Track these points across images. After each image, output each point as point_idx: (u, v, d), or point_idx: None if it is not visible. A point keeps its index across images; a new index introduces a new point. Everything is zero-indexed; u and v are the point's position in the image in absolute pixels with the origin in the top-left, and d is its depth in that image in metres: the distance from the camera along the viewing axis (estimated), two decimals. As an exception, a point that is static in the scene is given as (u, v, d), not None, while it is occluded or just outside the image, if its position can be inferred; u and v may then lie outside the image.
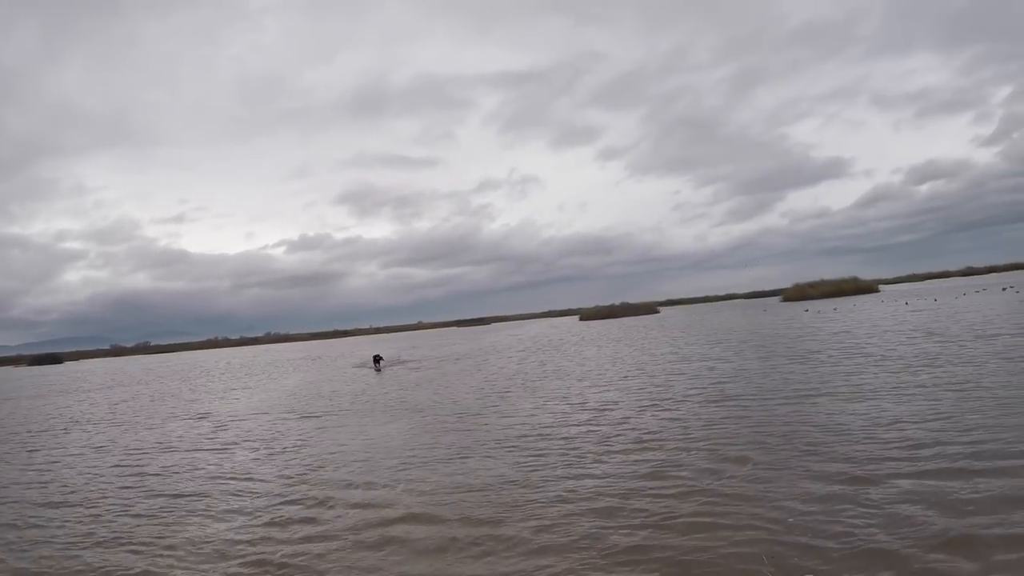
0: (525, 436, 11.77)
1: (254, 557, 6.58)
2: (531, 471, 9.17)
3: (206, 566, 6.40)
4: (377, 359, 33.38)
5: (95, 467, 12.44)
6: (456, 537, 6.75)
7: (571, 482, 8.37)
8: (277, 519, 7.88)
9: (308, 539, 7.03)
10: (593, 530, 6.54)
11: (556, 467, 9.30)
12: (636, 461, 9.20)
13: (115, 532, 7.87)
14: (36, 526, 8.53)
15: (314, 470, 10.52)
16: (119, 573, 6.46)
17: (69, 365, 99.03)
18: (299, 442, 13.26)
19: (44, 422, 21.17)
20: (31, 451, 15.15)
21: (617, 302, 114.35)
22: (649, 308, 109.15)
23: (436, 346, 57.26)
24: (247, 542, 7.11)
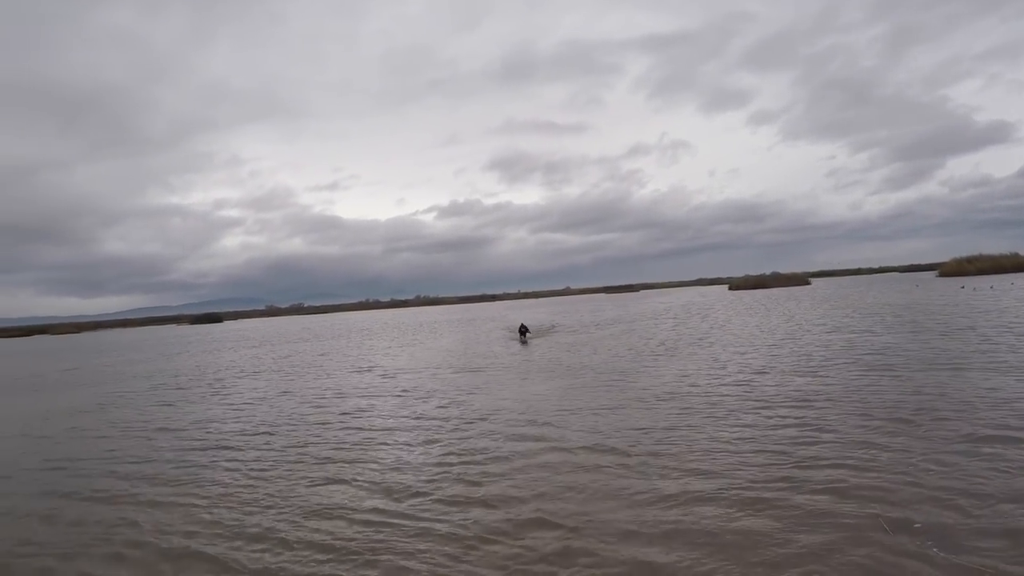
0: (676, 393, 12.39)
1: (440, 480, 7.67)
2: (683, 418, 9.89)
3: (397, 487, 7.56)
4: (523, 330, 30.49)
5: (283, 408, 14.39)
6: (626, 464, 7.57)
7: (722, 431, 8.98)
8: (457, 451, 9.03)
9: (491, 461, 8.06)
10: (738, 466, 7.20)
11: (705, 417, 9.99)
12: (784, 416, 9.71)
13: (319, 458, 9.33)
14: (253, 447, 10.25)
15: (485, 415, 11.68)
16: (326, 486, 7.79)
17: (228, 324, 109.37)
18: (465, 392, 14.59)
19: (223, 371, 24.40)
20: (220, 395, 17.64)
21: (767, 272, 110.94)
22: (800, 279, 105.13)
23: (585, 312, 58.38)
24: (435, 464, 8.28)
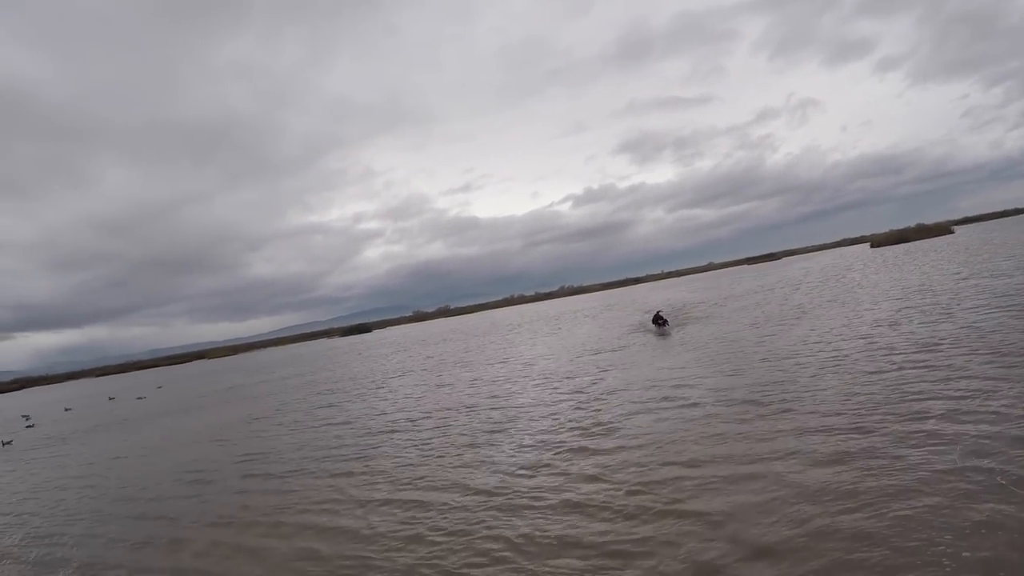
0: (801, 353, 13.60)
1: (574, 448, 9.67)
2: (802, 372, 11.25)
3: (534, 452, 9.63)
4: (660, 320, 26.44)
5: (437, 397, 17.03)
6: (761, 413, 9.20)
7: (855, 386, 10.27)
8: (588, 426, 10.96)
9: (628, 421, 10.00)
10: (866, 410, 8.60)
11: (824, 372, 11.29)
12: (916, 362, 10.83)
13: (471, 429, 11.68)
14: (418, 429, 12.76)
15: (622, 387, 13.51)
16: (488, 446, 10.01)
17: (377, 333, 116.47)
18: (603, 370, 16.48)
19: (377, 374, 27.60)
20: (381, 392, 20.65)
21: (911, 224, 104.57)
22: (943, 229, 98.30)
23: (724, 286, 58.59)
24: (570, 428, 10.31)
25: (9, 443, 23.29)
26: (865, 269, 41.70)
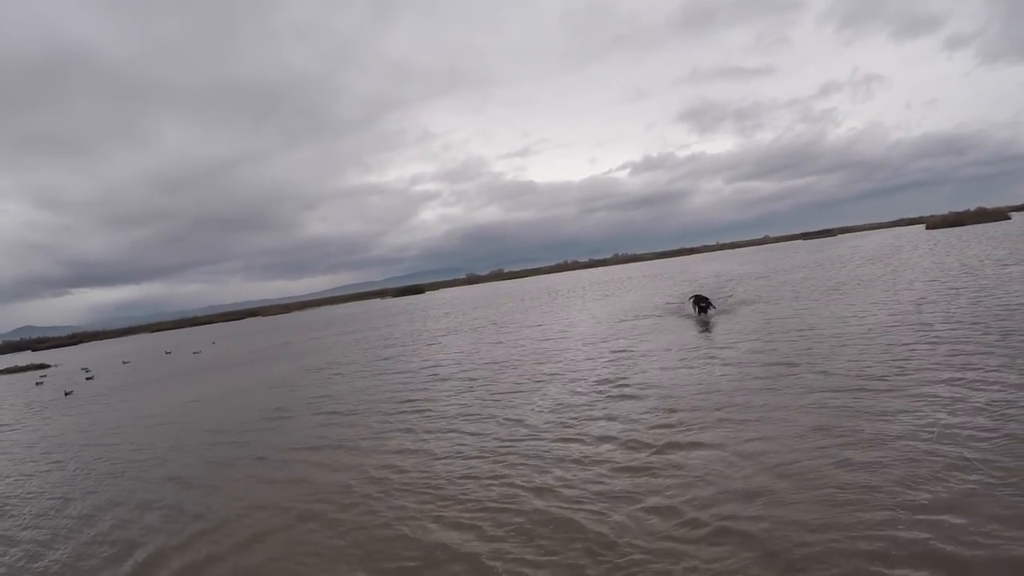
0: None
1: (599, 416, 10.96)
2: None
3: (553, 413, 10.89)
4: (702, 304, 21.02)
5: (489, 351, 18.48)
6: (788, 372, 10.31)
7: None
8: (613, 394, 12.22)
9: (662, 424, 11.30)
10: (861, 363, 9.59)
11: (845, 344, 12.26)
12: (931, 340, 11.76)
13: (518, 377, 13.06)
14: (487, 378, 14.17)
15: (653, 351, 14.78)
16: (523, 405, 11.33)
17: (430, 294, 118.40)
18: (633, 342, 17.65)
19: (428, 333, 28.97)
20: (434, 347, 22.04)
21: (971, 207, 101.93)
22: (1000, 215, 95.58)
23: (775, 260, 58.83)
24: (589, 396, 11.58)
25: (71, 393, 24.70)
26: (913, 252, 41.66)
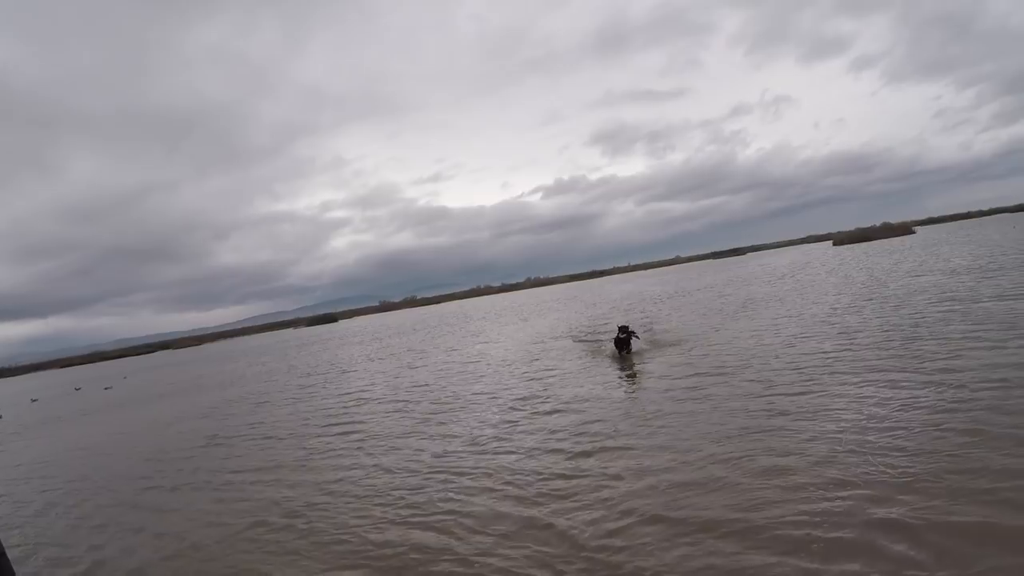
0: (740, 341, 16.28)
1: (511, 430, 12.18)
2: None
3: (479, 424, 12.05)
4: (623, 339, 17.42)
5: (397, 378, 19.32)
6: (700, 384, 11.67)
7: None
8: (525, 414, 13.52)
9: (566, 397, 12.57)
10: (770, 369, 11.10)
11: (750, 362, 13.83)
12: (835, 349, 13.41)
13: (426, 412, 14.11)
14: (407, 400, 15.11)
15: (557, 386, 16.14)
16: (444, 423, 12.42)
17: (343, 323, 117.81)
18: (549, 363, 18.96)
19: (351, 360, 29.78)
20: (353, 374, 22.80)
21: (878, 223, 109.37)
22: (904, 229, 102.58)
23: (684, 280, 61.66)
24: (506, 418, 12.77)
25: None
26: (817, 269, 44.18)
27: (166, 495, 10.20)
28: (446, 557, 6.16)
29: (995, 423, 7.29)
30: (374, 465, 9.83)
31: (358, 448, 11.20)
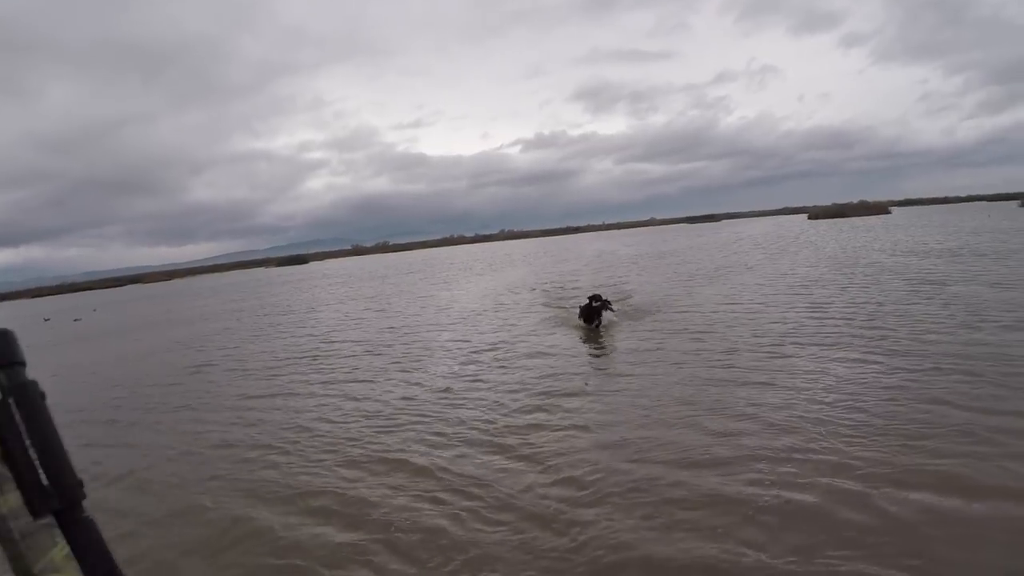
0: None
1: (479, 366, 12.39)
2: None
3: (448, 362, 12.29)
4: (594, 309, 14.73)
5: (377, 323, 19.87)
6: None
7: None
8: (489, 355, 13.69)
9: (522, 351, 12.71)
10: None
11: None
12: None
13: (398, 354, 14.41)
14: (382, 342, 15.37)
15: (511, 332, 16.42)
16: (411, 369, 12.57)
17: (313, 265, 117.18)
18: (516, 314, 19.20)
19: (318, 301, 29.82)
20: (319, 313, 22.92)
21: (855, 200, 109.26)
22: (880, 208, 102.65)
23: (657, 243, 61.84)
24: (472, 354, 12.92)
25: None
26: (790, 240, 44.39)
27: (125, 428, 10.47)
28: (403, 496, 6.40)
29: (949, 399, 7.49)
30: (338, 404, 10.22)
31: (324, 384, 11.82)
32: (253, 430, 9.26)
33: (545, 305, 20.30)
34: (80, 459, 7.85)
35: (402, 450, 7.71)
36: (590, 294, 15.16)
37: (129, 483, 7.60)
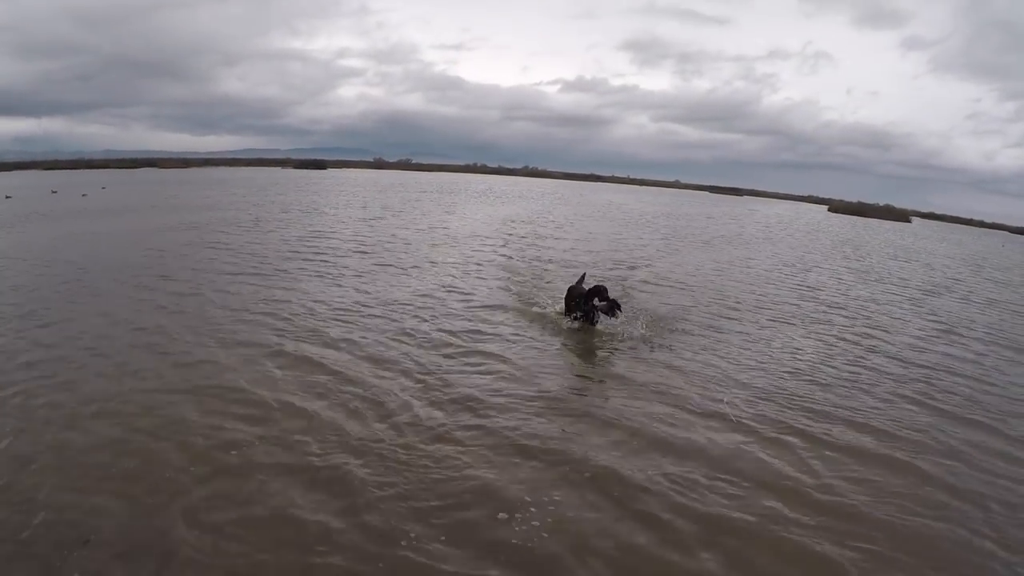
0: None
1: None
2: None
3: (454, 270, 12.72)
4: (592, 301, 10.68)
5: (400, 232, 20.37)
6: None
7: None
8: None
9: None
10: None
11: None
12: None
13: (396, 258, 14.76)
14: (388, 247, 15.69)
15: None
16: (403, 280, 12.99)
17: (331, 171, 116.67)
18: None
19: (345, 204, 30.31)
20: (319, 217, 23.31)
21: (881, 202, 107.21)
22: (901, 215, 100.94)
23: (681, 207, 61.35)
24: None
25: None
26: (799, 230, 44.22)
27: (104, 297, 11.49)
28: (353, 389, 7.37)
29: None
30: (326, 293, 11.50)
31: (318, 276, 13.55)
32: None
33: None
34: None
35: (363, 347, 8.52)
36: (592, 284, 11.10)
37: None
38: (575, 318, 10.79)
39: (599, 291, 10.61)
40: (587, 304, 10.60)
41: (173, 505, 5.05)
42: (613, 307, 10.47)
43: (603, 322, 10.58)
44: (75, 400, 6.87)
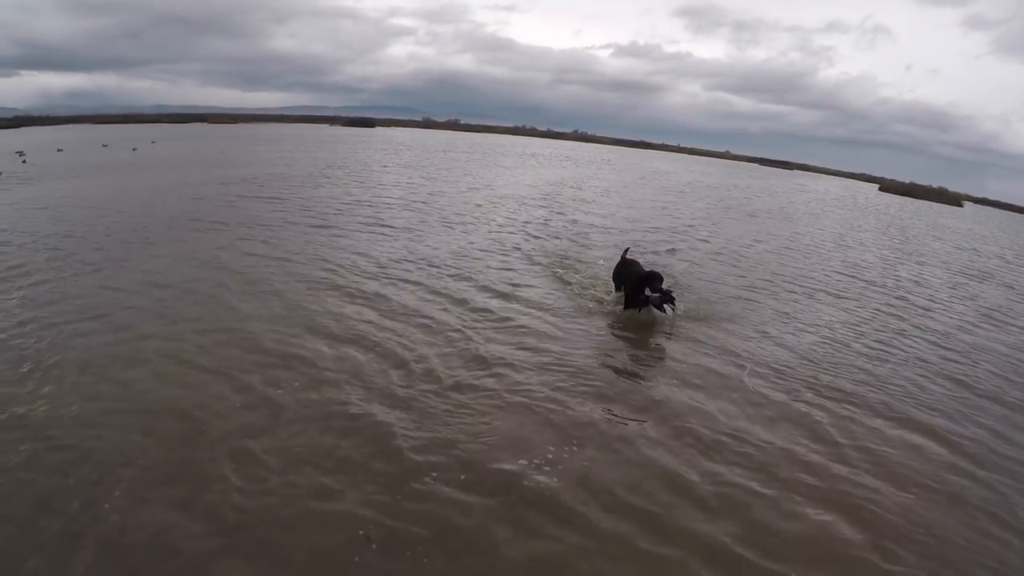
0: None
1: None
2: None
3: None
4: (645, 287, 9.38)
5: (441, 186, 20.33)
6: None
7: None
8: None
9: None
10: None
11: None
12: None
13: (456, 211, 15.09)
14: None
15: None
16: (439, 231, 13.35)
17: (379, 130, 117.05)
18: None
19: (380, 162, 30.65)
20: (370, 174, 23.67)
21: (935, 184, 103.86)
22: (952, 199, 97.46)
23: (720, 176, 60.45)
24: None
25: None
26: (848, 208, 43.22)
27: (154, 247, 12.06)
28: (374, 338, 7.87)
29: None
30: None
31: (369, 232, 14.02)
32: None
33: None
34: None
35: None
36: (644, 270, 9.93)
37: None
38: (626, 307, 9.68)
39: (652, 279, 9.39)
40: (637, 293, 9.47)
41: (213, 434, 5.55)
42: (666, 299, 9.21)
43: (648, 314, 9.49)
44: (133, 336, 7.61)
